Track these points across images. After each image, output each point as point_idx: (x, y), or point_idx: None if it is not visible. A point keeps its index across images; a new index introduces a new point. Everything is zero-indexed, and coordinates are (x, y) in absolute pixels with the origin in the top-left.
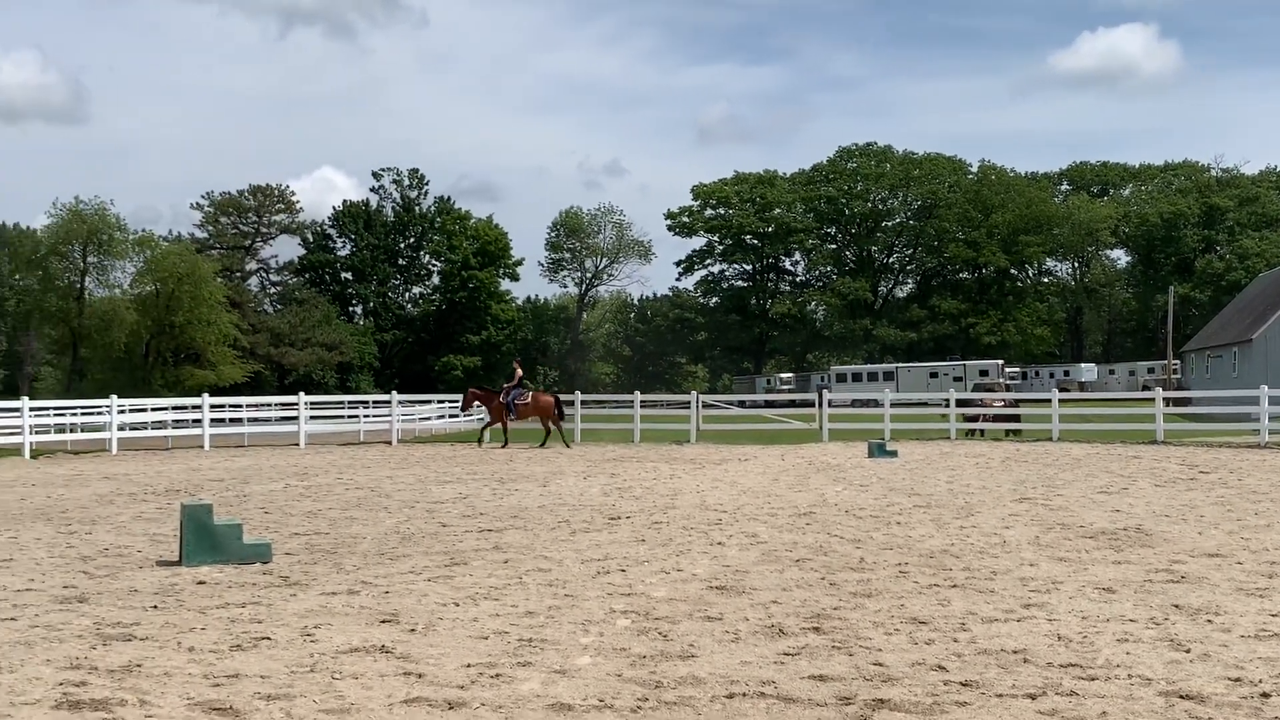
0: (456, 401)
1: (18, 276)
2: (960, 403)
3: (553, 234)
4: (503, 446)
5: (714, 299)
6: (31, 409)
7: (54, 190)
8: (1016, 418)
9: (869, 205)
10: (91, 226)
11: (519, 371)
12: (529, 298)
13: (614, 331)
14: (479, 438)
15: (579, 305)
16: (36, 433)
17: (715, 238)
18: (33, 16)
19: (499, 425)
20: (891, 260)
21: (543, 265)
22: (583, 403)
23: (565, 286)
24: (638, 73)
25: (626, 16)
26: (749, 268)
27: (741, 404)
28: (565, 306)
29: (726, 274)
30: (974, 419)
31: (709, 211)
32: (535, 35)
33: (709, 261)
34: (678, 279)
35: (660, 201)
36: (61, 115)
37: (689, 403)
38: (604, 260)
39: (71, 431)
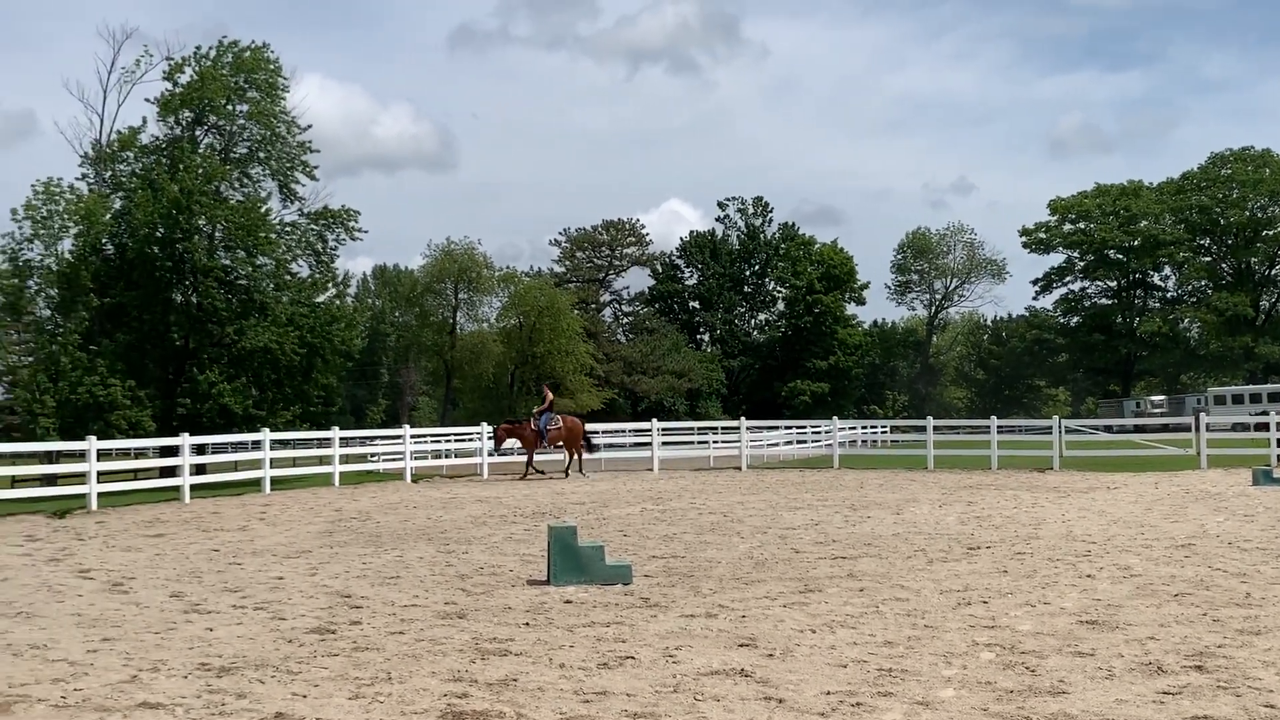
0: (804, 428)
1: (398, 314)
2: None
3: (899, 256)
4: (523, 477)
5: (1075, 318)
6: (411, 436)
7: (427, 232)
8: None
9: (1246, 214)
10: (461, 265)
11: (550, 395)
12: (876, 321)
13: (966, 354)
14: (525, 473)
15: (928, 328)
16: (415, 458)
17: (1075, 253)
18: (405, 72)
19: (536, 453)
20: (1274, 272)
21: (889, 288)
22: (935, 428)
23: (913, 309)
24: (988, 87)
25: (976, 31)
26: (1113, 284)
27: (1108, 429)
28: (914, 329)
29: (1088, 291)
30: None
31: (1067, 226)
32: (880, 57)
33: (1068, 279)
34: (1034, 298)
35: (1012, 218)
36: (432, 162)
37: (1050, 427)
38: (954, 281)
39: (446, 457)
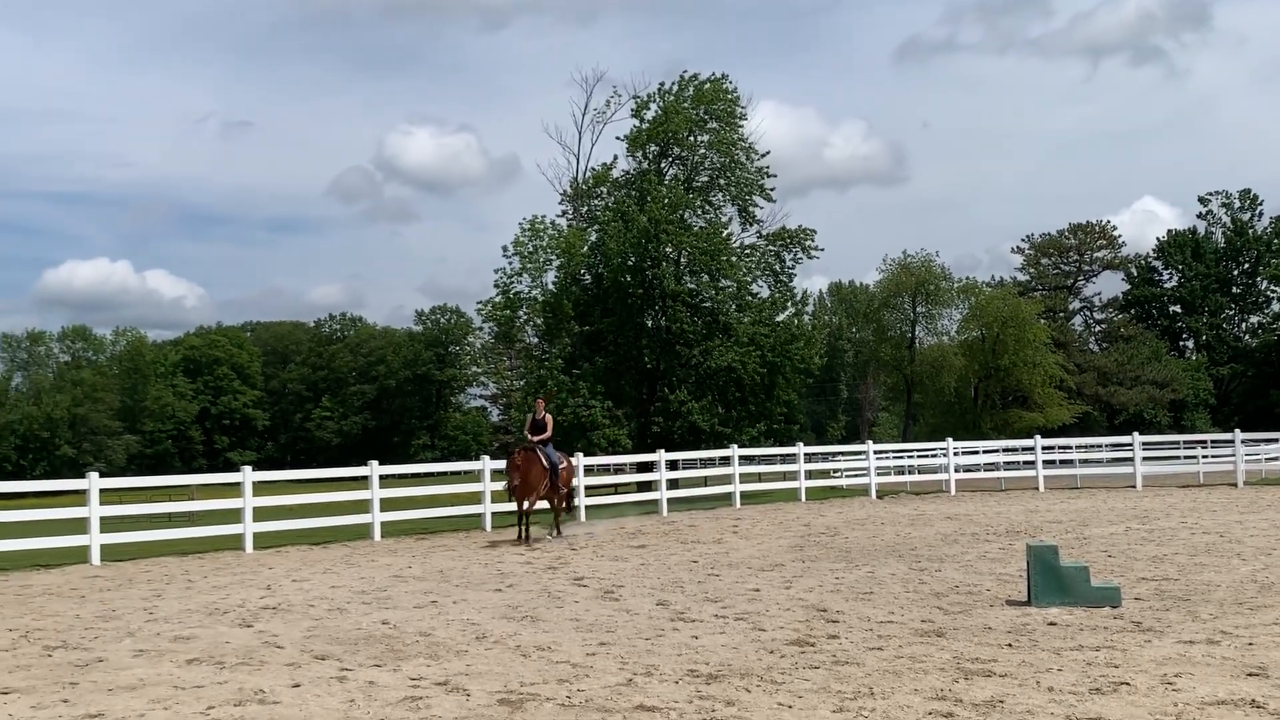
0: None
1: (855, 329)
2: None
3: None
4: (520, 539)
5: None
6: (874, 451)
7: (881, 247)
8: None
9: None
10: (919, 278)
11: (548, 418)
12: None
13: None
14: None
15: None
16: (879, 474)
17: None
18: (858, 92)
19: (539, 504)
20: None
21: None
22: None
23: None
24: None
25: None
26: None
27: None
28: None
29: None
30: None
31: None
32: None
33: None
34: None
35: None
36: (883, 177)
37: None
38: None
39: (909, 473)
